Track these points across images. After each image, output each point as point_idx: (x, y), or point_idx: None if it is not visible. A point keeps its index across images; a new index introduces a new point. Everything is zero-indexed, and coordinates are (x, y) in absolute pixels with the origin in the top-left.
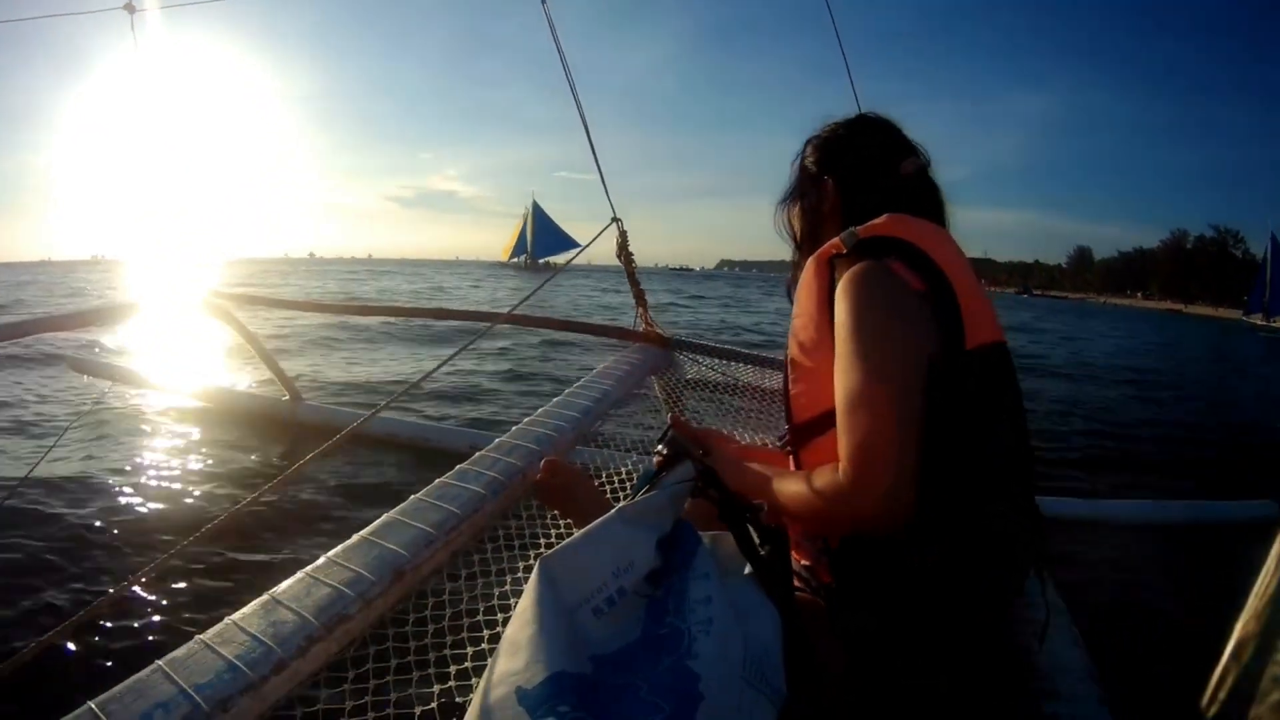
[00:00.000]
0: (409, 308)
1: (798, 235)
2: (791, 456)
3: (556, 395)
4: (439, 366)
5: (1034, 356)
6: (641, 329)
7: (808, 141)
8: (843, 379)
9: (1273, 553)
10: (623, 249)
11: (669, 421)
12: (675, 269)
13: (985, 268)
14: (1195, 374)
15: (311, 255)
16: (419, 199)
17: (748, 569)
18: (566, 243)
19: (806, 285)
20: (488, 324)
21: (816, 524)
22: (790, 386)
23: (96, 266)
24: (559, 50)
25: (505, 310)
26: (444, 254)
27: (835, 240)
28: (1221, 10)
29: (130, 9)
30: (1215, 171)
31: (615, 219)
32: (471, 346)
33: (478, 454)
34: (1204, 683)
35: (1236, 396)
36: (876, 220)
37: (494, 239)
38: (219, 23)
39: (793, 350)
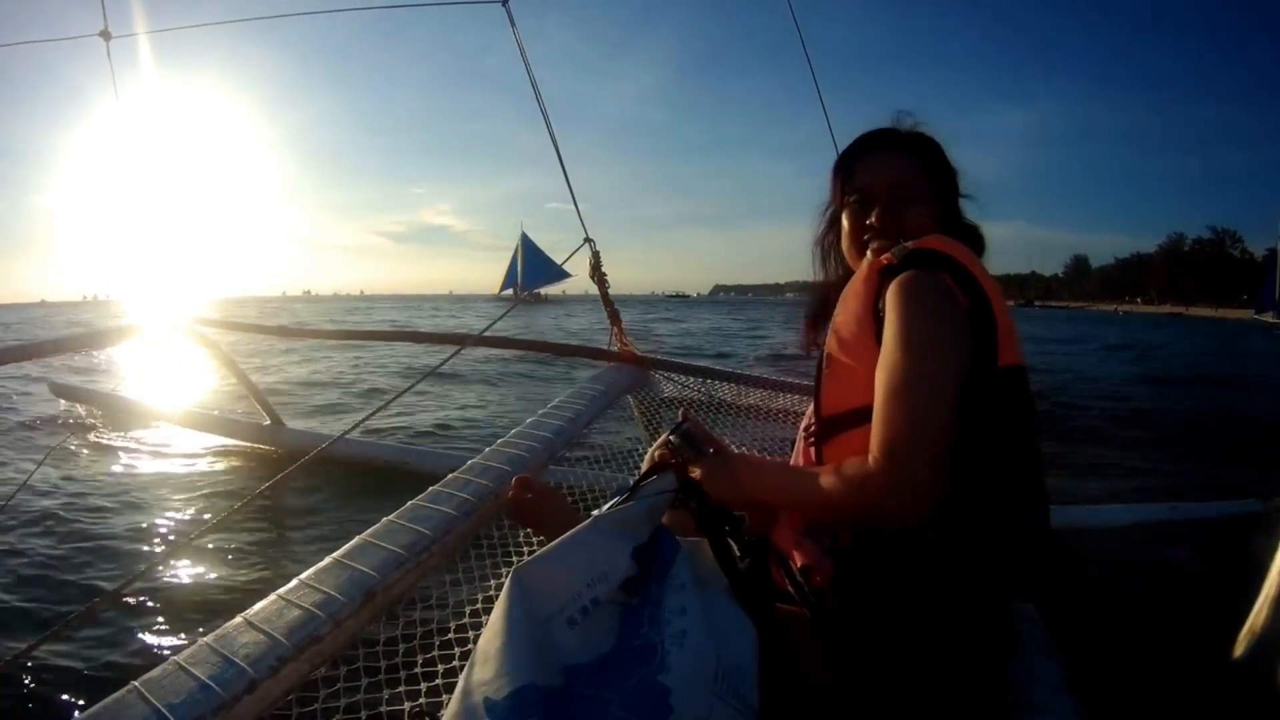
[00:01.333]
0: (382, 332)
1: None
2: (814, 448)
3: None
4: (408, 389)
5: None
6: (617, 349)
7: (926, 139)
8: (885, 374)
9: None
10: (595, 269)
11: (681, 417)
12: (672, 295)
13: None
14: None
15: (308, 293)
16: (411, 234)
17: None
18: (558, 272)
19: (855, 289)
20: (460, 346)
21: (837, 513)
22: (823, 380)
23: (96, 306)
24: (529, 72)
25: (475, 333)
26: (438, 288)
27: (887, 254)
28: (1203, 15)
29: (106, 36)
30: (1209, 175)
31: (588, 239)
32: (442, 369)
33: (450, 476)
34: (1180, 683)
35: None
36: (926, 238)
37: (488, 272)
38: (201, 55)
39: (831, 345)
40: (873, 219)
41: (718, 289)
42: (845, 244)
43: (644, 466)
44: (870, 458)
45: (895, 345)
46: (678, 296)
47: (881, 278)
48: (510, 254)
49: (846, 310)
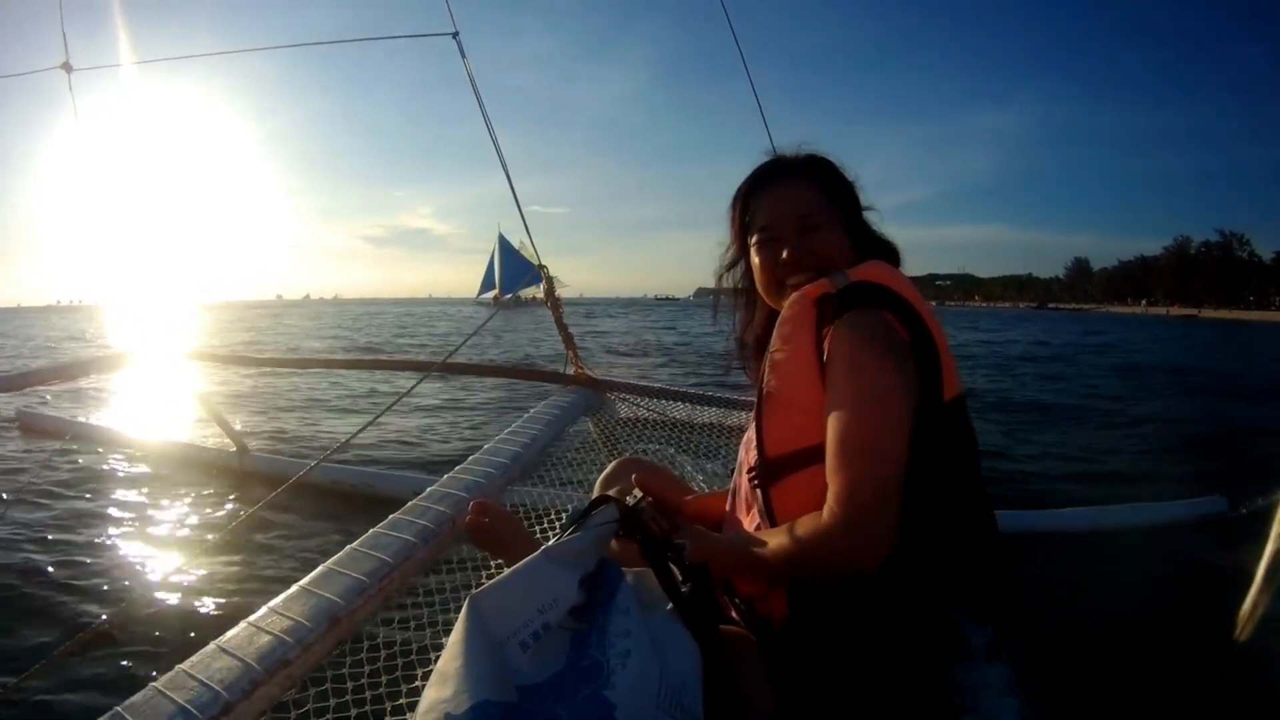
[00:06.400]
0: (349, 361)
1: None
2: (759, 490)
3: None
4: (376, 417)
5: None
6: (573, 371)
7: (819, 160)
8: (836, 423)
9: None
10: (549, 294)
11: (639, 493)
12: (661, 299)
13: (969, 284)
14: None
15: (307, 297)
16: (392, 237)
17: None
18: (535, 276)
19: (793, 320)
20: (422, 374)
21: (800, 572)
22: (764, 419)
23: (76, 312)
24: (480, 104)
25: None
26: (417, 292)
27: (823, 281)
28: (1192, 14)
29: (68, 69)
30: (1208, 175)
31: (540, 266)
32: (408, 396)
33: (410, 503)
34: (1133, 681)
35: None
36: (864, 266)
37: (469, 275)
38: (176, 71)
39: (771, 383)
40: (785, 255)
41: (700, 291)
42: (760, 281)
43: (595, 492)
44: (827, 510)
45: (844, 393)
46: (667, 299)
47: (819, 307)
48: (488, 257)
49: (786, 346)
